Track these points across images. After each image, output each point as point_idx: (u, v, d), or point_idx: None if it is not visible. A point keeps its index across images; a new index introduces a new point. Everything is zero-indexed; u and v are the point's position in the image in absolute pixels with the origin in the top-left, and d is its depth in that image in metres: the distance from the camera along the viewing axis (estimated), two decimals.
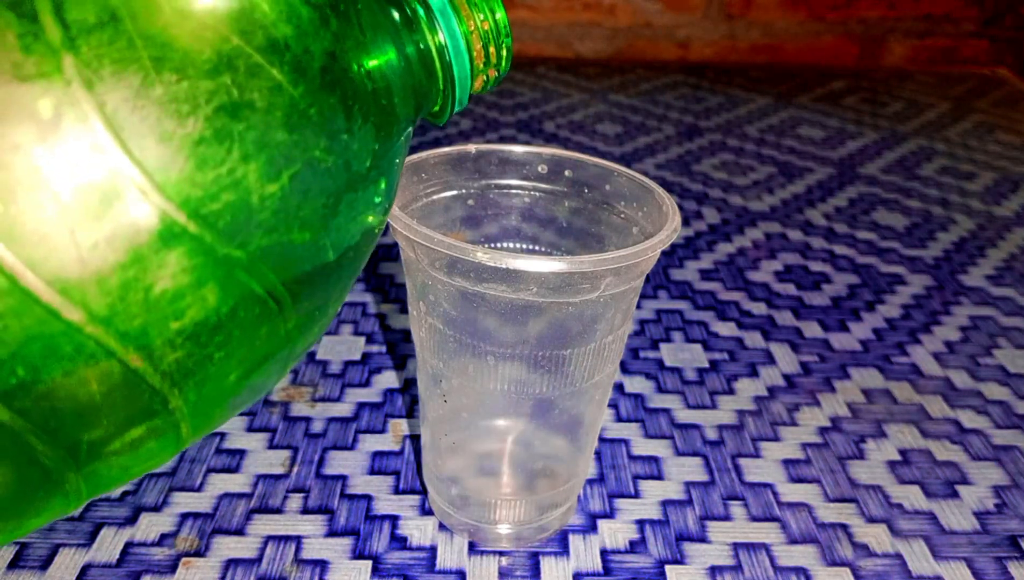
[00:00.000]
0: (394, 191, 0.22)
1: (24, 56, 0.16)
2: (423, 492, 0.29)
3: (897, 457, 0.31)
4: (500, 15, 0.22)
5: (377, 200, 0.21)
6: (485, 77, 0.23)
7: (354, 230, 0.20)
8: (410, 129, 0.22)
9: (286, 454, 0.30)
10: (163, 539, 0.27)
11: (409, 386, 0.34)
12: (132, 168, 0.16)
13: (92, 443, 0.18)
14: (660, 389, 0.35)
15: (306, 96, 0.18)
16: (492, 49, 0.22)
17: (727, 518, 0.28)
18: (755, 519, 0.28)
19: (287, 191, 0.18)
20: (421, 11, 0.21)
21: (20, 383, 0.16)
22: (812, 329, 0.39)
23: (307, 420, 0.32)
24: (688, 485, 0.30)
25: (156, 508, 0.28)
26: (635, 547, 0.27)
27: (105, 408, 0.18)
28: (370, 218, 0.21)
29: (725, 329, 0.39)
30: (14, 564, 0.25)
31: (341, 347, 0.36)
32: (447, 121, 0.24)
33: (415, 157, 0.26)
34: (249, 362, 0.20)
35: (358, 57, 0.20)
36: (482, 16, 0.22)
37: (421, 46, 0.21)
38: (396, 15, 0.21)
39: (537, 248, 0.28)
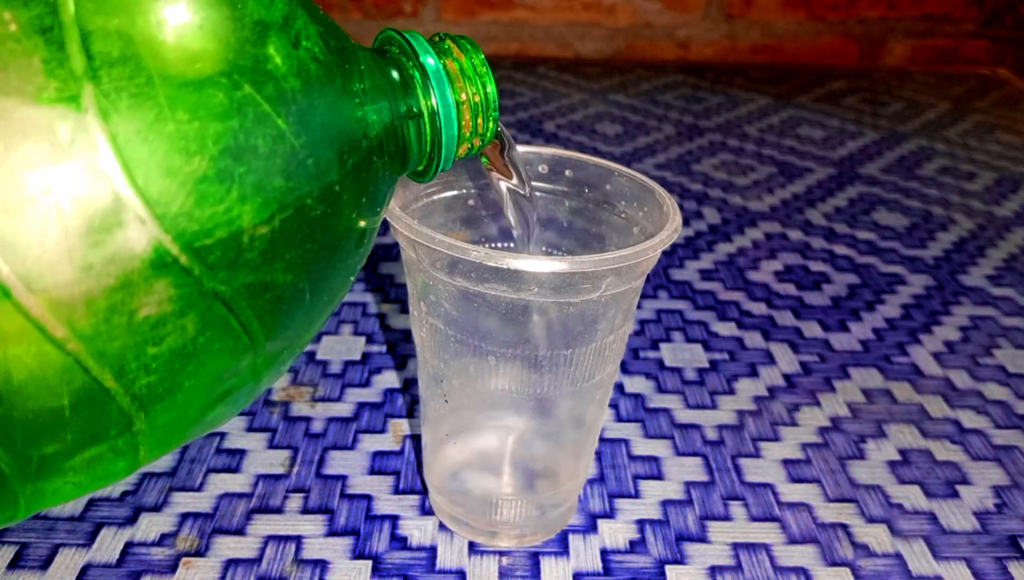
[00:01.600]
0: (372, 242, 0.23)
1: (47, 80, 0.16)
2: (423, 492, 0.29)
3: (897, 457, 0.31)
4: (491, 89, 0.23)
5: (357, 250, 0.22)
6: (470, 145, 0.24)
7: (332, 275, 0.22)
8: (394, 184, 0.24)
9: (286, 454, 0.30)
10: (163, 539, 0.27)
11: (409, 386, 0.34)
12: (134, 198, 0.17)
13: (53, 456, 0.19)
14: (660, 389, 0.35)
15: (306, 147, 0.19)
16: (480, 120, 0.23)
17: (727, 518, 0.28)
18: (755, 519, 0.28)
19: (277, 234, 0.19)
20: (417, 75, 0.22)
21: None
22: (812, 329, 0.39)
23: (307, 420, 0.32)
24: (688, 485, 0.30)
25: (156, 508, 0.28)
26: (635, 547, 0.27)
27: (72, 423, 0.18)
28: (348, 266, 0.22)
29: (725, 329, 0.39)
30: (14, 564, 0.25)
31: (341, 347, 0.36)
32: (431, 180, 0.25)
33: None
34: (216, 393, 0.20)
35: (356, 114, 0.21)
36: (474, 89, 0.23)
37: (415, 109, 0.23)
38: (396, 75, 0.22)
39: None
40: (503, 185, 0.26)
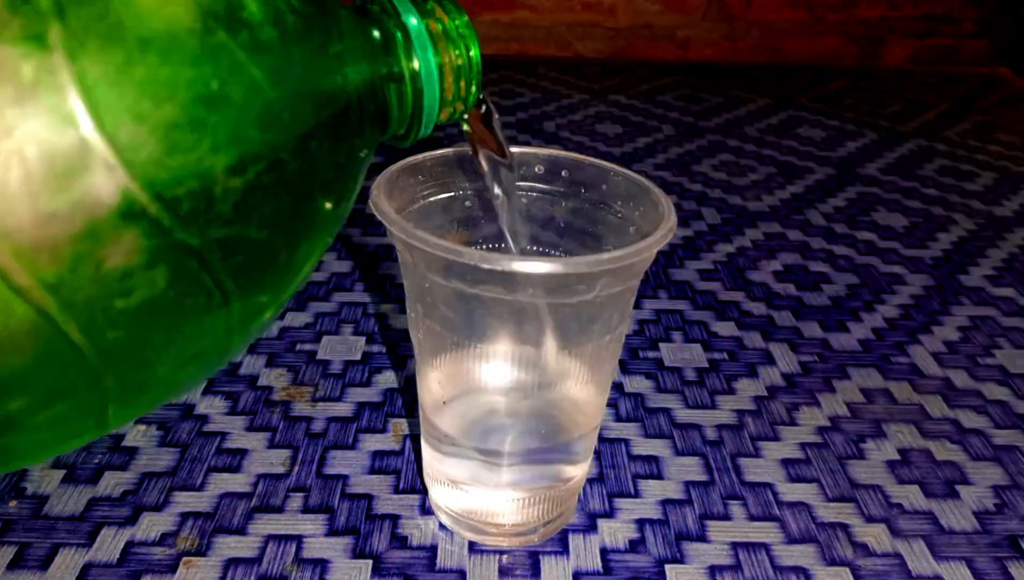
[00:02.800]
0: (350, 205, 0.23)
1: (11, 17, 0.16)
2: (423, 492, 0.29)
3: (897, 457, 0.32)
4: (474, 52, 0.22)
5: (334, 211, 0.21)
6: (452, 109, 0.23)
7: (309, 235, 0.21)
8: (374, 147, 0.23)
9: (286, 453, 0.30)
10: (164, 538, 0.27)
11: (409, 386, 0.34)
12: (102, 143, 0.16)
13: (18, 412, 0.18)
14: (660, 389, 0.35)
15: (282, 99, 0.19)
16: (463, 84, 0.23)
17: (727, 518, 0.28)
18: (755, 519, 0.28)
19: (251, 187, 0.18)
20: (399, 36, 0.22)
21: None
22: (812, 329, 0.39)
23: (307, 420, 0.32)
24: (688, 485, 0.30)
25: (157, 507, 0.28)
26: (635, 546, 0.27)
27: (36, 378, 0.18)
28: (325, 227, 0.21)
29: (725, 329, 0.39)
30: (14, 564, 0.25)
31: (341, 347, 0.36)
32: (411, 144, 0.24)
33: (413, 158, 0.26)
34: (187, 352, 0.20)
35: (334, 71, 0.20)
36: (457, 52, 0.22)
37: (395, 70, 0.22)
38: (376, 35, 0.22)
39: (535, 248, 0.28)
40: (483, 153, 0.25)
